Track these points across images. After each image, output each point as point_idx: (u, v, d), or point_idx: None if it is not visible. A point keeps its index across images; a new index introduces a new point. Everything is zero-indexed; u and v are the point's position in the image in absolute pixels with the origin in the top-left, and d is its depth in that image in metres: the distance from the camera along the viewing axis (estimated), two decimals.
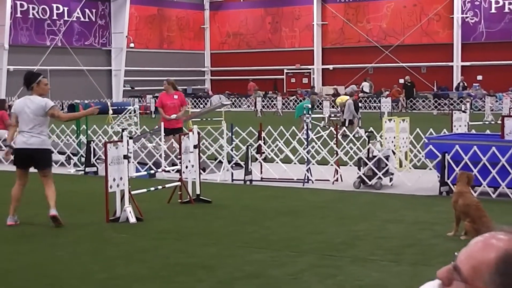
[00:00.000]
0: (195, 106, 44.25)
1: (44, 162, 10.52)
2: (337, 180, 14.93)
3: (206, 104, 47.61)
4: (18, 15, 48.26)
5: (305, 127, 15.68)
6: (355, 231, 10.05)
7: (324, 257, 8.53)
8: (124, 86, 53.32)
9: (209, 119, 21.43)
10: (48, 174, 10.60)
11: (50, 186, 10.53)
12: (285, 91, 55.44)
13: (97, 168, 16.49)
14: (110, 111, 34.04)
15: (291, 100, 49.09)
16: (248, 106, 48.53)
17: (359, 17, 54.46)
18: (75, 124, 18.82)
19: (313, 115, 16.75)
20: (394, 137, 15.76)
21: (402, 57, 51.61)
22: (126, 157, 10.82)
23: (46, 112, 10.37)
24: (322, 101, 34.84)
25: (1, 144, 18.74)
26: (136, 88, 53.76)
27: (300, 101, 39.05)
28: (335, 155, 15.47)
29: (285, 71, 57.47)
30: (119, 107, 34.92)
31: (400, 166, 16.00)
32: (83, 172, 16.72)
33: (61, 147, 18.08)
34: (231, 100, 46.07)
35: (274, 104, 45.77)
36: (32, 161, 10.49)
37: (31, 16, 49.25)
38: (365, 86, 48.73)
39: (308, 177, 14.90)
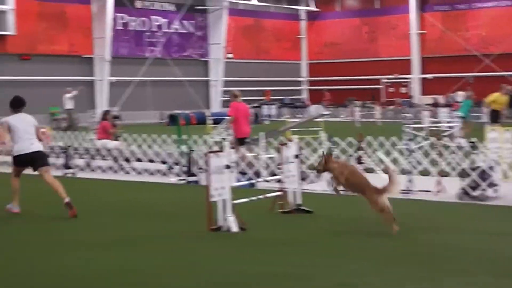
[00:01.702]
0: (292, 117, 44.27)
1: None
2: (439, 191, 14.66)
3: (303, 114, 47.59)
4: (119, 27, 49.41)
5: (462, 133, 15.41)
6: (458, 243, 9.83)
7: (422, 269, 8.38)
8: (222, 96, 53.86)
9: (307, 129, 21.41)
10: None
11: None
12: (383, 101, 54.92)
13: (198, 178, 16.68)
14: (209, 121, 34.39)
15: (389, 110, 48.57)
16: (346, 116, 48.24)
17: (458, 25, 53.53)
18: (176, 134, 19.13)
19: (413, 125, 16.53)
20: (498, 148, 15.39)
21: (503, 66, 50.39)
22: (227, 166, 10.89)
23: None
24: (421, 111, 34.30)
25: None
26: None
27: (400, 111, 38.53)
28: (437, 165, 15.19)
29: (382, 80, 56.96)
30: (217, 117, 35.26)
31: (505, 177, 15.59)
32: (184, 181, 16.93)
33: (163, 157, 18.39)
34: (328, 110, 45.89)
35: (372, 114, 45.43)
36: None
37: (131, 28, 50.36)
38: (461, 95, 47.75)
39: (409, 187, 14.68)
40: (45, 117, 42.93)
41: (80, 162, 19.48)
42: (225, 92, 53.11)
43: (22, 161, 12.73)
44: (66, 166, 18.83)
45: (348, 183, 10.77)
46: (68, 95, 38.79)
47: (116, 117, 22.86)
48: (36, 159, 12.68)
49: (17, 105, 12.98)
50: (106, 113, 21.55)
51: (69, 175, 18.56)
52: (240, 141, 17.97)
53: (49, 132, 24.81)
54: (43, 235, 10.85)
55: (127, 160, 19.00)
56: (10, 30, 42.74)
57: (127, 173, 18.60)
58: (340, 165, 11.00)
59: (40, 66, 44.88)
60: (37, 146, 12.73)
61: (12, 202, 12.83)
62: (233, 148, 16.60)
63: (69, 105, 38.52)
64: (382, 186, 10.50)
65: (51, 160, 19.83)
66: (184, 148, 17.99)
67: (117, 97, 47.53)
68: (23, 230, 11.32)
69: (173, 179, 17.35)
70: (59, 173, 18.73)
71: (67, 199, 12.30)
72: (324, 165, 11.03)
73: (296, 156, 12.54)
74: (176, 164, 17.90)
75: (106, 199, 14.59)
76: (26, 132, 12.64)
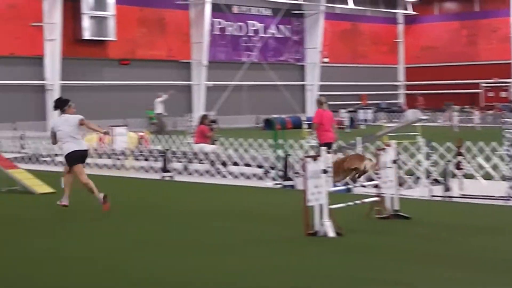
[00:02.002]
0: (389, 121, 43.82)
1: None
2: None
3: (400, 119, 47.04)
4: (216, 32, 49.98)
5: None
6: None
7: None
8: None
9: (404, 134, 21.15)
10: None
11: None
12: (482, 105, 53.77)
13: (294, 182, 16.70)
14: (305, 126, 34.36)
15: (488, 115, 47.50)
16: (444, 121, 47.40)
17: None
18: (272, 138, 19.20)
19: None
20: None
21: None
22: (324, 171, 10.86)
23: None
24: None
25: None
26: (329, 103, 53.94)
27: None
28: None
29: (481, 85, 55.78)
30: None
31: None
32: (280, 185, 16.97)
33: (259, 161, 18.49)
34: (426, 115, 45.23)
35: (471, 119, 44.53)
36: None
37: (228, 33, 50.87)
38: None
39: (510, 194, 14.30)
40: (143, 121, 43.88)
41: (178, 165, 19.76)
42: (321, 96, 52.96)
43: (72, 156, 13.60)
44: (164, 170, 19.13)
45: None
46: (158, 99, 39.35)
47: (213, 121, 23.10)
48: (84, 156, 13.78)
49: (60, 107, 13.84)
50: (203, 117, 21.80)
51: (167, 178, 18.85)
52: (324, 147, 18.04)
53: (147, 136, 25.31)
54: (157, 237, 11.03)
55: (224, 164, 19.18)
56: (111, 35, 43.80)
57: (224, 176, 18.77)
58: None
59: (139, 70, 45.83)
60: (82, 144, 13.82)
61: (63, 197, 13.69)
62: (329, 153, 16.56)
63: (159, 109, 39.06)
64: None
65: (150, 163, 20.27)
66: (280, 152, 18.02)
67: (213, 102, 48.09)
68: (142, 231, 11.53)
69: (269, 183, 17.41)
70: (157, 176, 19.08)
71: (101, 194, 13.28)
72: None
73: (394, 161, 12.40)
74: (272, 168, 17.95)
75: (202, 203, 14.76)
76: (69, 132, 13.53)
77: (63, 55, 41.80)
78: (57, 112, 14.05)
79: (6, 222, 12.50)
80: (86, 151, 13.92)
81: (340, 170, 13.68)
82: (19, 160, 22.71)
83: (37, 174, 17.17)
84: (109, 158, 21.61)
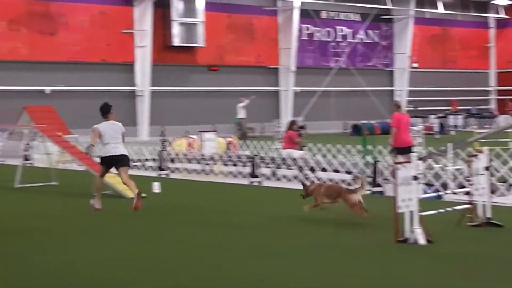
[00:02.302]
0: (480, 127, 42.95)
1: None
2: None
3: (491, 125, 46.05)
4: (304, 38, 49.99)
5: None
6: None
7: None
8: (407, 106, 53.09)
9: (496, 140, 20.68)
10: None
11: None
12: None
13: (383, 189, 16.53)
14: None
15: None
16: None
17: None
18: (361, 144, 19.08)
19: None
20: None
21: None
22: (415, 178, 10.71)
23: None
24: None
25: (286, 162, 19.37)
26: (419, 108, 53.25)
27: None
28: None
29: None
30: None
31: None
32: (369, 192, 16.81)
33: (347, 167, 18.37)
34: None
35: None
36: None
37: (316, 39, 50.80)
38: None
39: None
40: (231, 126, 44.17)
41: (266, 171, 19.81)
42: (410, 102, 52.36)
43: (107, 161, 14.60)
44: (253, 175, 19.22)
45: (327, 195, 12.87)
46: (240, 104, 39.47)
47: (301, 127, 23.07)
48: (119, 161, 14.56)
49: (105, 113, 15.10)
50: (292, 123, 21.81)
51: (255, 183, 18.93)
52: (399, 151, 17.91)
53: (235, 141, 25.48)
54: (236, 242, 11.09)
55: (312, 169, 19.13)
56: (200, 42, 44.31)
57: (312, 182, 18.70)
58: (316, 186, 13.24)
59: (227, 76, 46.21)
60: (121, 150, 14.69)
61: (95, 199, 14.52)
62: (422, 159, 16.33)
63: (241, 114, 39.16)
64: (353, 187, 12.86)
65: (238, 169, 20.40)
66: (369, 158, 17.87)
67: (301, 107, 48.07)
68: (218, 237, 11.62)
69: None
70: (245, 181, 19.17)
71: (136, 191, 13.85)
72: (306, 191, 13.24)
73: (486, 168, 12.14)
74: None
75: (290, 208, 14.75)
76: (113, 137, 14.64)
77: (153, 62, 42.53)
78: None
79: (99, 227, 12.74)
80: (124, 156, 14.76)
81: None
82: None
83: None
84: (198, 163, 21.84)
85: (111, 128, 14.80)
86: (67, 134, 27.56)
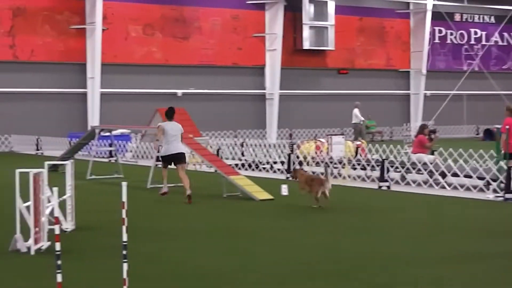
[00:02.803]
0: None
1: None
2: None
3: None
4: (436, 41, 49.07)
5: None
6: None
7: None
8: None
9: None
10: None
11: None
12: None
13: None
14: None
15: None
16: None
17: None
18: (494, 150, 18.51)
19: None
20: None
21: None
22: None
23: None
24: None
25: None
26: None
27: None
28: None
29: None
30: None
31: None
32: (502, 198, 16.29)
33: (480, 173, 17.87)
34: None
35: None
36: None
37: (448, 41, 49.77)
38: None
39: None
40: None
41: (395, 175, 19.53)
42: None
43: (168, 159, 16.87)
44: (381, 179, 18.98)
45: (307, 183, 15.14)
46: (356, 109, 38.76)
47: (432, 131, 22.61)
48: (178, 158, 16.75)
49: (170, 115, 17.15)
50: (422, 127, 21.39)
51: (384, 188, 18.69)
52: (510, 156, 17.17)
53: (364, 145, 25.26)
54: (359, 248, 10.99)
55: (442, 174, 18.71)
56: (330, 45, 44.24)
57: (443, 187, 18.31)
58: (301, 174, 15.70)
59: (357, 80, 45.93)
60: (180, 147, 16.92)
61: (163, 186, 17.13)
62: None
63: (356, 118, 38.45)
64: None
65: (367, 172, 20.22)
66: (502, 164, 17.30)
67: (431, 111, 47.12)
68: (346, 240, 11.54)
69: (490, 196, 16.77)
70: (374, 185, 18.97)
71: (188, 192, 15.92)
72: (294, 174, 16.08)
73: None
74: (494, 180, 17.27)
75: (419, 214, 14.49)
76: (174, 136, 16.72)
77: (282, 65, 42.79)
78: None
79: (228, 228, 12.88)
80: (182, 154, 16.93)
81: (306, 186, 15.22)
82: (239, 167, 23.45)
83: (257, 180, 17.63)
84: (327, 166, 21.72)
85: (172, 128, 16.88)
86: (198, 136, 28.16)
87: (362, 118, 37.14)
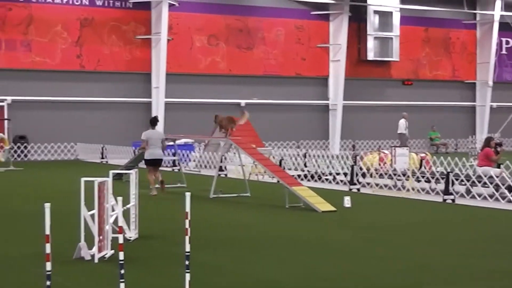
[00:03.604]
0: None
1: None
2: None
3: None
4: (503, 52, 48.25)
5: None
6: None
7: None
8: None
9: None
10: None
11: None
12: None
13: None
14: None
15: None
16: None
17: None
18: None
19: None
20: None
21: None
22: None
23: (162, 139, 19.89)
24: None
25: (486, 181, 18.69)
26: None
27: None
28: None
29: None
30: None
31: None
32: None
33: None
34: None
35: None
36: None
37: None
38: None
39: None
40: (424, 142, 43.47)
41: (460, 188, 19.22)
42: None
43: (149, 162, 19.61)
44: (446, 192, 18.68)
45: None
46: (403, 119, 38.19)
47: (499, 144, 22.17)
48: (156, 162, 19.67)
49: (152, 123, 19.83)
50: (489, 139, 21.02)
51: (449, 201, 18.39)
52: None
53: (428, 157, 24.93)
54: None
55: (509, 188, 18.33)
56: (395, 56, 43.90)
57: (509, 201, 17.94)
58: None
59: (422, 91, 45.44)
60: (160, 154, 19.73)
61: (152, 189, 19.34)
62: None
63: (401, 129, 37.85)
64: None
65: (432, 185, 19.94)
66: None
67: (497, 123, 46.29)
68: (412, 254, 11.38)
69: None
70: (438, 198, 18.69)
71: (161, 179, 19.67)
72: None
73: None
74: None
75: (485, 228, 14.22)
76: (155, 141, 19.48)
77: (346, 76, 42.60)
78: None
79: (294, 239, 12.83)
80: (160, 160, 19.92)
81: (223, 128, 19.07)
82: (302, 178, 23.38)
83: (319, 192, 17.54)
84: (390, 178, 21.54)
85: (153, 136, 19.57)
86: (261, 146, 28.21)
87: (402, 131, 36.69)
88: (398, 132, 37.32)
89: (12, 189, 21.57)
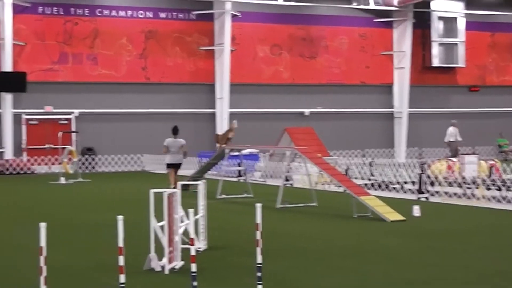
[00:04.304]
0: None
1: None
2: None
3: None
4: None
5: None
6: None
7: None
8: None
9: None
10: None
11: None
12: None
13: None
14: None
15: None
16: None
17: None
18: None
19: None
20: None
21: None
22: None
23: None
24: None
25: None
26: None
27: None
28: None
29: None
30: None
31: None
32: None
33: None
34: None
35: None
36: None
37: None
38: None
39: None
40: (492, 149, 42.70)
41: None
42: None
43: (170, 165, 22.50)
44: None
45: None
46: (452, 127, 37.16)
47: None
48: (176, 166, 22.51)
49: (174, 132, 22.77)
50: None
51: None
52: None
53: (498, 165, 24.44)
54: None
55: None
56: (460, 62, 43.30)
57: None
58: None
59: (488, 97, 44.69)
60: (179, 159, 22.51)
61: (170, 186, 21.59)
62: None
63: (451, 137, 36.74)
64: None
65: (503, 193, 19.53)
66: None
67: None
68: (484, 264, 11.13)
69: None
70: (510, 207, 18.28)
71: (173, 186, 20.96)
72: None
73: None
74: None
75: None
76: (174, 149, 22.38)
77: (411, 83, 42.17)
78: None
79: (365, 249, 12.67)
80: (179, 164, 22.62)
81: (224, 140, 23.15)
82: (368, 187, 23.14)
83: (387, 201, 17.31)
84: (459, 187, 21.17)
85: (173, 143, 22.45)
86: (326, 155, 28.02)
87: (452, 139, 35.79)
88: (446, 140, 36.23)
89: (81, 200, 21.85)
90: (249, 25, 39.82)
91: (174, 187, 20.34)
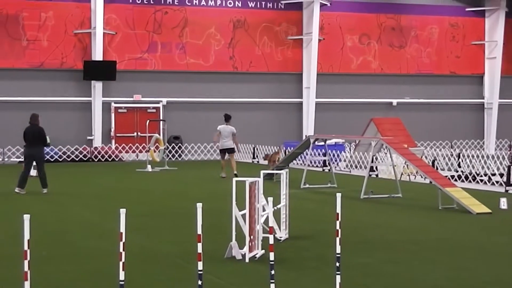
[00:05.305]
0: None
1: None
2: None
3: None
4: None
5: None
6: None
7: None
8: None
9: None
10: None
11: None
12: None
13: None
14: None
15: None
16: None
17: None
18: None
19: None
20: None
21: None
22: None
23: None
24: None
25: None
26: None
27: None
28: None
29: None
30: None
31: None
32: None
33: None
34: None
35: None
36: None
37: None
38: None
39: None
40: None
41: None
42: None
43: (223, 151, 24.89)
44: None
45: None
46: None
47: None
48: (229, 151, 24.85)
49: (226, 119, 25.14)
50: None
51: None
52: None
53: None
54: None
55: None
56: None
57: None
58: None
59: None
60: (230, 144, 24.85)
61: (222, 172, 24.72)
62: None
63: None
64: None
65: None
66: None
67: None
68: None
69: None
70: None
71: (235, 172, 23.85)
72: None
73: None
74: None
75: None
76: (226, 135, 24.77)
77: (502, 73, 41.21)
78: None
79: (448, 241, 12.50)
80: (231, 148, 24.96)
81: (272, 161, 24.89)
82: (455, 179, 22.77)
83: (474, 193, 17.01)
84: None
85: (225, 129, 24.85)
86: (413, 146, 27.69)
87: None
88: None
89: (167, 188, 22.20)
90: (338, 14, 39.62)
91: (234, 175, 22.55)
